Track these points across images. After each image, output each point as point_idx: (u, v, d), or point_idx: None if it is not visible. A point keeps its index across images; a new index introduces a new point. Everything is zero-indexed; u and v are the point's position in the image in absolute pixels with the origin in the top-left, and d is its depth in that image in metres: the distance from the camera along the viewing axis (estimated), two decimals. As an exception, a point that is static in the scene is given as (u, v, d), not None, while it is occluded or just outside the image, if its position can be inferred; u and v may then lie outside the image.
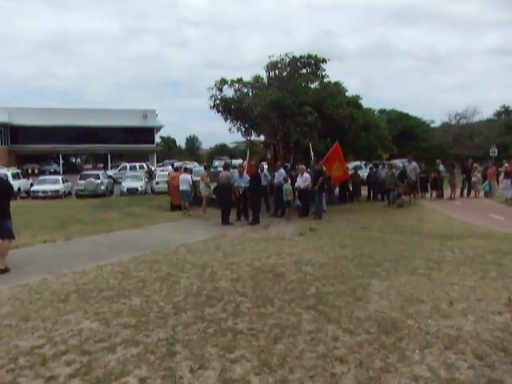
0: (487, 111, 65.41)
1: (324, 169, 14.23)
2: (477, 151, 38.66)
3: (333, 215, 13.96)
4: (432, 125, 51.75)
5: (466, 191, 19.67)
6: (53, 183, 23.42)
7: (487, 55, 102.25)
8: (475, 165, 19.99)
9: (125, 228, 11.80)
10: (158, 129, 50.23)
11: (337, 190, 18.35)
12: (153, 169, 30.89)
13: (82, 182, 23.27)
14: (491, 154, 32.72)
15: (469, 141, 44.38)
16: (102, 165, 47.12)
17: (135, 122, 45.59)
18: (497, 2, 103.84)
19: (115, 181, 27.71)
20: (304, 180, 13.51)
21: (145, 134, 46.68)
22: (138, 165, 33.93)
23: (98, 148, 45.78)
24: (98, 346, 4.04)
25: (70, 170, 43.57)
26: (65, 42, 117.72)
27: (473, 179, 19.40)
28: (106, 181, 24.57)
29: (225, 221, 12.55)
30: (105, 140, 44.76)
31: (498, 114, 58.00)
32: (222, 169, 15.80)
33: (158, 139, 52.89)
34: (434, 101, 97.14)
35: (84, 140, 44.18)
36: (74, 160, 55.08)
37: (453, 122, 49.25)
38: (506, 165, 19.57)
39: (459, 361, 3.65)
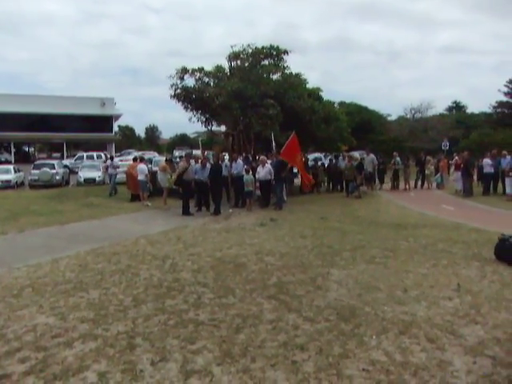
0: (440, 106, 68.00)
1: (284, 159, 14.33)
2: (430, 144, 40.22)
3: (293, 206, 14.15)
4: (389, 118, 53.39)
5: (419, 183, 20.47)
6: (4, 173, 22.27)
7: (441, 53, 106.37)
8: (428, 157, 20.85)
9: (81, 219, 11.44)
10: (117, 117, 48.76)
11: (297, 181, 18.61)
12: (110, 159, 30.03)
13: (36, 171, 22.30)
14: (443, 148, 34.12)
15: (423, 134, 46.02)
16: (58, 154, 45.22)
17: (93, 110, 43.95)
18: (452, 2, 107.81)
19: (71, 171, 26.76)
20: (266, 171, 13.59)
21: (103, 122, 45.15)
22: (95, 154, 32.88)
23: (53, 137, 43.81)
24: (54, 341, 3.92)
25: (23, 159, 41.52)
26: (16, 23, 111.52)
27: (426, 171, 20.23)
28: (61, 171, 23.68)
29: (185, 211, 12.44)
30: (60, 128, 42.84)
31: (450, 109, 60.65)
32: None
33: (116, 128, 51.31)
34: (392, 95, 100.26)
35: (38, 128, 42.08)
36: (27, 149, 52.58)
37: (408, 116, 50.91)
38: (456, 158, 20.52)
39: (413, 345, 3.82)
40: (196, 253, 7.28)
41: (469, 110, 59.40)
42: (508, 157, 15.92)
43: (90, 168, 24.14)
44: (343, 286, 5.44)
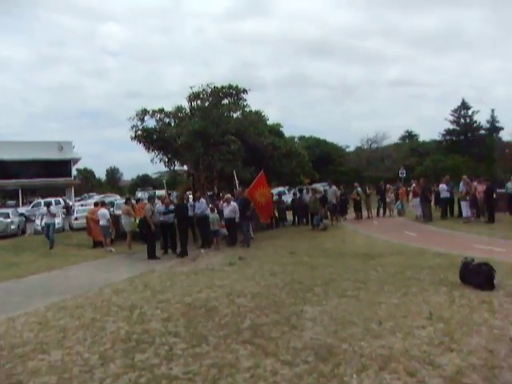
0: (394, 136, 71.18)
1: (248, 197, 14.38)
2: (387, 173, 41.73)
3: (261, 242, 14.08)
4: (347, 149, 55.21)
5: (381, 211, 20.99)
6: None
7: (391, 85, 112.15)
8: (388, 186, 21.50)
9: (40, 271, 10.85)
10: (76, 161, 47.68)
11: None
12: (70, 204, 29.15)
13: (-11, 222, 21.18)
14: (400, 175, 35.45)
15: (380, 163, 47.84)
16: (13, 202, 43.32)
17: (50, 154, 42.71)
18: (394, 39, 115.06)
19: (28, 219, 25.63)
20: (231, 209, 13.52)
21: (61, 166, 43.88)
22: (53, 200, 31.74)
23: (7, 184, 42.08)
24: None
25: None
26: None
27: (387, 199, 20.79)
28: (16, 219, 22.56)
29: (151, 255, 12.09)
30: (15, 175, 41.33)
31: (403, 138, 63.46)
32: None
33: (75, 172, 50.09)
34: (348, 127, 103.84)
35: (-9, 175, 40.45)
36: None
37: (365, 147, 52.82)
38: (414, 185, 21.29)
39: (394, 380, 3.76)
40: (165, 300, 7.00)
41: (421, 139, 62.38)
42: (463, 182, 16.68)
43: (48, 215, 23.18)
44: (318, 324, 5.35)
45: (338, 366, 4.08)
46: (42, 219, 16.81)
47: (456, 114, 53.43)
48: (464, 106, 53.15)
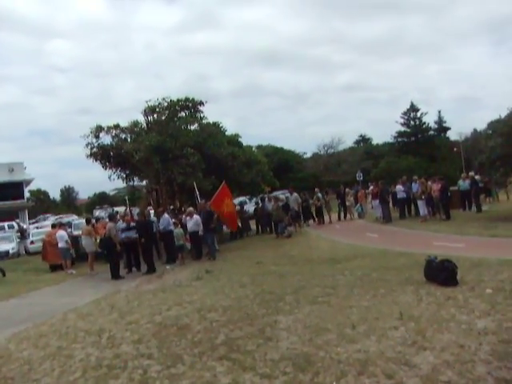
0: (349, 140, 73.17)
1: (212, 209, 14.30)
2: (344, 177, 42.86)
3: (226, 253, 14.01)
4: (304, 156, 56.28)
5: (342, 215, 21.43)
6: None
7: (341, 91, 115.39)
8: (347, 190, 22.01)
9: (-4, 300, 10.26)
10: (28, 182, 45.66)
11: (225, 227, 18.53)
12: (25, 227, 27.83)
13: None
14: (358, 178, 36.46)
15: (337, 168, 49.03)
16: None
17: (0, 176, 40.79)
18: (343, 46, 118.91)
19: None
20: (194, 222, 13.36)
21: (12, 189, 41.80)
22: (6, 224, 30.17)
23: (-46, 209, 39.70)
24: None
25: None
26: None
27: (347, 203, 21.27)
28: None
29: (115, 275, 11.73)
30: (-37, 198, 39.06)
31: (358, 142, 65.48)
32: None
33: (27, 194, 47.87)
34: (303, 134, 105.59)
35: None
36: None
37: (322, 152, 53.97)
38: (372, 187, 21.95)
39: (373, 384, 3.82)
40: (134, 321, 6.79)
41: (374, 141, 64.62)
42: (418, 182, 17.34)
43: (2, 240, 22.10)
44: (293, 333, 5.35)
45: (318, 375, 4.09)
46: None
47: (406, 117, 55.71)
48: (413, 108, 55.55)
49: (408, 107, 55.76)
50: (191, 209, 14.25)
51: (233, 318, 6.28)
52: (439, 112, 57.35)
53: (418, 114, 55.38)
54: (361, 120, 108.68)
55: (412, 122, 55.60)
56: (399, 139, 56.40)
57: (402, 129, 55.78)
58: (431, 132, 55.86)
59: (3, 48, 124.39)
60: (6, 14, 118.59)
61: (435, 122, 56.58)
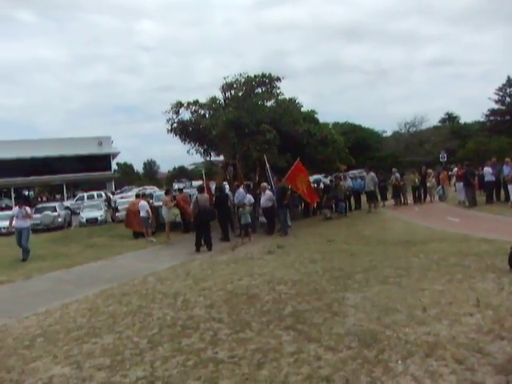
0: (434, 118, 68.62)
1: (288, 185, 14.35)
2: (427, 157, 40.43)
3: (298, 230, 14.07)
4: (384, 135, 53.89)
5: (422, 196, 20.41)
6: (5, 219, 22.21)
7: (428, 67, 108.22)
8: (429, 171, 20.86)
9: (87, 261, 11.35)
10: (115, 155, 49.21)
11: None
12: (112, 197, 30.11)
13: (38, 215, 22.24)
14: (441, 159, 34.33)
15: (419, 148, 46.36)
16: (59, 196, 45.23)
17: (90, 149, 44.37)
18: (431, 18, 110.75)
19: (73, 212, 26.74)
20: (267, 199, 13.54)
21: (101, 161, 45.51)
22: (95, 193, 32.93)
23: (53, 179, 44.07)
24: (72, 392, 3.81)
25: (24, 203, 41.49)
26: (11, 72, 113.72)
27: (428, 184, 20.19)
28: (63, 213, 23.65)
29: (209, 246, 11.82)
30: (59, 170, 43.20)
31: (443, 120, 61.17)
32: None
33: (115, 166, 51.62)
34: (384, 112, 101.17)
35: (37, 172, 42.41)
36: (26, 193, 52.72)
37: (403, 131, 51.27)
38: (455, 169, 20.56)
39: (441, 367, 3.70)
40: (207, 287, 7.17)
41: (462, 121, 59.93)
42: (509, 165, 15.92)
43: (91, 208, 24.14)
44: (360, 310, 5.33)
45: (383, 352, 4.06)
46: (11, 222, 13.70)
47: (501, 93, 50.83)
48: (510, 83, 50.44)
49: (504, 82, 50.82)
50: (265, 184, 14.41)
51: (301, 292, 6.38)
52: (541, 88, 51.55)
53: (516, 90, 50.32)
54: (448, 97, 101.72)
55: (508, 99, 50.67)
56: (491, 118, 51.78)
57: (496, 106, 51.10)
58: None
59: (95, 29, 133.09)
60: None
61: (535, 99, 51.03)
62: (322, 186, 19.74)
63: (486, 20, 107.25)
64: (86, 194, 33.41)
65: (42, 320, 6.10)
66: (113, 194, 22.95)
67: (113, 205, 24.41)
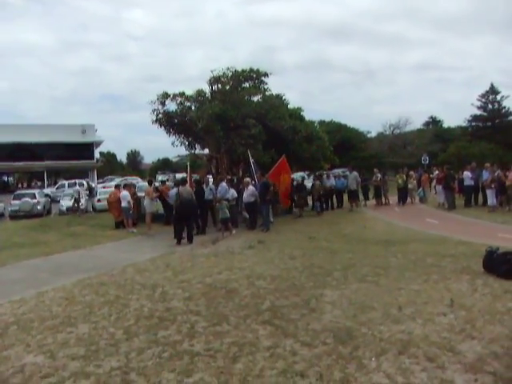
0: (418, 121, 69.57)
1: (270, 182, 14.37)
2: (410, 159, 40.98)
3: (280, 226, 14.12)
4: (369, 135, 54.34)
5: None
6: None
7: (414, 70, 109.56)
8: (411, 172, 21.16)
9: (66, 250, 11.18)
10: (98, 144, 48.42)
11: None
12: (93, 185, 29.67)
13: (17, 201, 21.81)
14: (423, 162, 34.81)
15: (402, 150, 46.94)
16: (39, 183, 44.34)
17: (73, 137, 43.52)
18: (418, 22, 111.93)
19: (53, 199, 26.28)
20: (250, 194, 13.55)
21: (84, 149, 44.70)
22: (77, 182, 32.40)
23: (34, 166, 43.12)
24: (44, 382, 3.76)
25: (3, 189, 40.67)
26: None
27: (409, 186, 20.48)
28: (42, 200, 23.20)
29: (190, 239, 11.76)
30: (41, 157, 42.26)
31: (427, 124, 62.01)
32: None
33: (97, 155, 50.80)
34: (369, 112, 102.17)
35: (17, 157, 41.47)
36: (6, 179, 51.58)
37: (387, 132, 51.81)
38: (436, 172, 20.90)
39: (413, 365, 3.78)
40: (186, 280, 7.15)
41: (445, 125, 60.89)
42: (488, 170, 16.25)
43: (72, 196, 23.75)
44: (337, 307, 5.39)
45: (357, 349, 4.13)
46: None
47: (484, 99, 51.68)
48: (492, 90, 51.30)
49: (487, 89, 51.69)
50: (248, 179, 14.42)
51: (280, 287, 6.42)
52: (523, 96, 52.51)
53: (498, 98, 51.19)
54: (432, 101, 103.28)
55: (490, 106, 51.52)
56: (473, 123, 52.61)
57: (478, 112, 51.94)
58: (511, 117, 51.57)
59: (84, 15, 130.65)
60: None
61: (516, 108, 52.00)
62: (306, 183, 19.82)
63: (472, 27, 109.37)
64: (67, 182, 32.86)
65: (17, 308, 6.00)
66: (90, 187, 22.79)
67: (95, 194, 24.04)
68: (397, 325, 4.72)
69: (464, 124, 53.93)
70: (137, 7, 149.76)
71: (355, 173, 19.10)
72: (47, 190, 30.67)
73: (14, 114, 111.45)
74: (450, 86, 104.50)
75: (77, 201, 20.46)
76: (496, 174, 15.67)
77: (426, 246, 9.43)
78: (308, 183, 22.64)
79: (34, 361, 4.20)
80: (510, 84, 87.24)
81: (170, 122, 17.24)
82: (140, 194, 16.87)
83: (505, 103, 50.97)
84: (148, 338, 4.64)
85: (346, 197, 19.65)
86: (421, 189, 21.02)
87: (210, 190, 14.37)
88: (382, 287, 6.23)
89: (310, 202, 20.09)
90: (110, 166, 66.61)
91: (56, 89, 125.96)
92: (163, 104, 17.12)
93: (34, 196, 22.75)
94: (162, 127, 17.42)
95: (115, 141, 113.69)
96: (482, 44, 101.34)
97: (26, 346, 4.59)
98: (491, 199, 15.76)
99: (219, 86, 17.25)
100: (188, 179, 14.77)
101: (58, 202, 23.86)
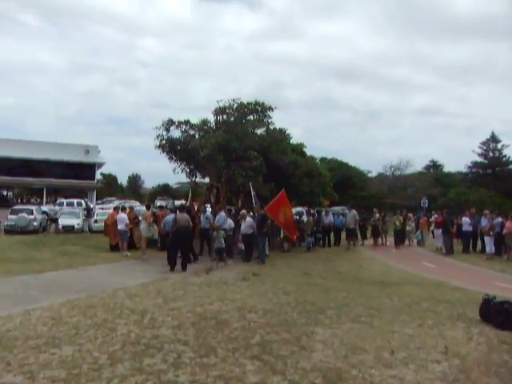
0: (418, 164, 70.16)
1: (268, 214, 14.34)
2: (409, 201, 41.07)
3: (276, 260, 14.00)
4: (369, 175, 54.77)
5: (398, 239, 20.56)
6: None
7: (417, 114, 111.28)
8: (409, 215, 21.18)
9: (58, 268, 11.04)
10: (100, 165, 48.68)
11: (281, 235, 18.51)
12: (91, 206, 29.63)
13: (13, 216, 21.67)
14: (422, 205, 34.88)
15: (402, 191, 47.18)
16: (38, 199, 44.29)
17: (76, 156, 43.79)
18: (423, 68, 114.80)
19: (50, 218, 26.12)
20: (248, 225, 13.50)
21: (85, 169, 44.90)
22: (75, 201, 32.37)
23: (33, 182, 43.22)
24: (21, 404, 3.62)
25: (0, 203, 40.56)
26: (4, 70, 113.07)
27: (407, 228, 20.44)
28: (39, 217, 23.03)
29: (184, 266, 11.74)
30: (41, 174, 42.36)
31: (428, 167, 62.62)
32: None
33: (99, 176, 51.03)
34: (371, 152, 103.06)
35: (18, 173, 41.61)
36: (5, 193, 51.58)
37: (388, 173, 52.24)
38: (436, 215, 20.91)
39: (403, 412, 3.66)
40: (176, 307, 7.01)
41: (445, 169, 61.44)
42: (487, 217, 16.26)
43: (69, 215, 23.68)
44: (329, 347, 5.26)
45: (347, 392, 4.00)
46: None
47: (484, 147, 52.42)
48: (493, 139, 52.13)
49: (488, 137, 52.48)
50: (244, 211, 14.42)
51: (271, 322, 6.29)
52: (523, 146, 53.16)
53: (499, 146, 51.94)
54: (433, 145, 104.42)
55: (490, 154, 52.23)
56: (473, 170, 53.23)
57: (479, 159, 52.60)
58: (511, 166, 52.09)
59: (99, 40, 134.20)
60: (100, 8, 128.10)
61: (517, 157, 52.59)
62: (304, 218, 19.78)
63: (476, 76, 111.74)
64: (65, 201, 32.81)
65: (1, 325, 5.84)
66: (88, 207, 22.71)
67: (92, 215, 23.95)
68: (389, 369, 4.59)
69: (464, 170, 54.53)
70: (149, 35, 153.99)
71: (354, 211, 19.12)
72: (45, 207, 30.55)
73: (19, 130, 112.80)
74: (451, 132, 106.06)
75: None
76: (496, 220, 15.65)
77: (421, 290, 9.33)
78: (305, 219, 22.69)
79: (13, 381, 4.06)
80: (510, 133, 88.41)
81: (172, 148, 17.39)
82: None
83: (505, 152, 51.68)
84: (132, 365, 4.50)
85: (343, 235, 19.57)
86: (419, 232, 20.98)
87: (207, 218, 14.33)
88: (375, 329, 6.11)
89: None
90: (110, 187, 66.69)
91: (63, 108, 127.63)
92: (168, 130, 17.32)
93: (31, 212, 22.61)
94: (165, 153, 17.55)
95: (118, 163, 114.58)
96: (484, 93, 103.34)
97: (7, 364, 4.45)
98: (489, 247, 15.69)
99: (224, 116, 17.52)
100: (188, 206, 14.76)
101: (56, 219, 23.65)
